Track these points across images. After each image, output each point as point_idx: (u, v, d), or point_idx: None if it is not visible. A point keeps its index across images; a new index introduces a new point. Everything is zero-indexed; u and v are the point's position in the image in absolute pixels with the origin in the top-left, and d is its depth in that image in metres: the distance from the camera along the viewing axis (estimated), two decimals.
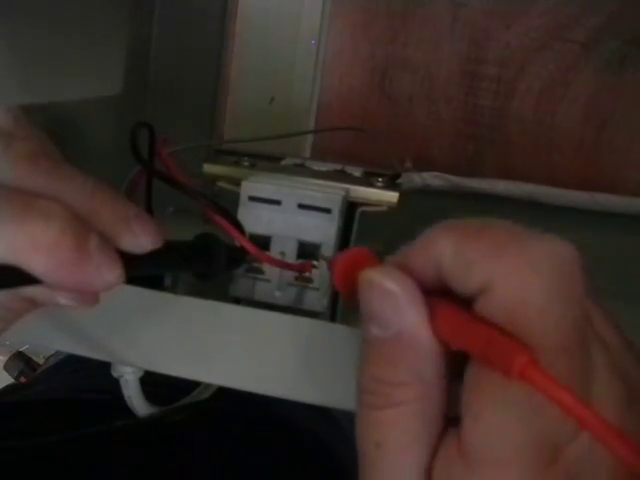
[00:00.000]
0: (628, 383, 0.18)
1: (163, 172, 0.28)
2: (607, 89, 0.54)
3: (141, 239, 0.22)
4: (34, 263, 0.20)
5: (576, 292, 0.17)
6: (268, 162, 0.39)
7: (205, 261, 0.27)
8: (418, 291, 0.18)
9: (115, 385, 0.32)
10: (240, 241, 0.27)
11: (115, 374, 0.31)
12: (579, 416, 0.15)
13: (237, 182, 0.34)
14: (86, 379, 0.50)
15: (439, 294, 0.19)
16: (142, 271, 0.24)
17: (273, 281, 0.32)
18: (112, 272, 0.21)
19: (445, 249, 0.18)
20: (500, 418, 0.17)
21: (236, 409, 0.43)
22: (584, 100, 0.55)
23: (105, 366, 0.31)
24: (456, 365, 0.18)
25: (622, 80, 0.54)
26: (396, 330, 0.18)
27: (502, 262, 0.17)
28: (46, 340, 0.29)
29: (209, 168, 0.36)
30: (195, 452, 0.42)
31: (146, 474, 0.39)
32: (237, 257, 0.28)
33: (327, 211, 0.32)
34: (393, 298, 0.18)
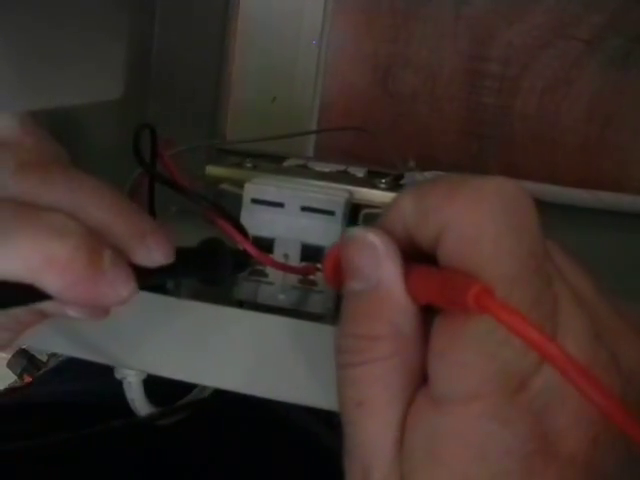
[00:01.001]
0: (595, 319, 0.18)
1: (165, 175, 0.28)
2: (611, 86, 0.54)
3: (155, 254, 0.22)
4: (48, 281, 0.19)
5: (527, 223, 0.17)
6: (271, 163, 0.39)
7: (212, 267, 0.26)
8: (395, 247, 0.19)
9: (116, 389, 0.32)
10: (243, 244, 0.27)
11: (118, 376, 0.31)
12: (537, 344, 0.15)
13: (240, 184, 0.33)
14: (87, 382, 0.50)
15: (410, 257, 0.19)
16: (152, 281, 0.24)
17: (277, 284, 0.32)
18: (126, 288, 0.21)
19: (407, 206, 0.19)
20: (463, 354, 0.17)
21: (235, 409, 0.43)
22: (588, 98, 0.54)
23: (106, 369, 0.31)
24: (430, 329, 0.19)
25: (626, 77, 0.53)
26: (375, 282, 0.19)
27: (454, 205, 0.17)
28: (49, 344, 0.29)
29: (212, 170, 0.36)
30: (193, 452, 0.42)
31: (145, 474, 0.39)
32: (242, 261, 0.28)
33: (330, 213, 0.32)
34: (373, 250, 0.19)
